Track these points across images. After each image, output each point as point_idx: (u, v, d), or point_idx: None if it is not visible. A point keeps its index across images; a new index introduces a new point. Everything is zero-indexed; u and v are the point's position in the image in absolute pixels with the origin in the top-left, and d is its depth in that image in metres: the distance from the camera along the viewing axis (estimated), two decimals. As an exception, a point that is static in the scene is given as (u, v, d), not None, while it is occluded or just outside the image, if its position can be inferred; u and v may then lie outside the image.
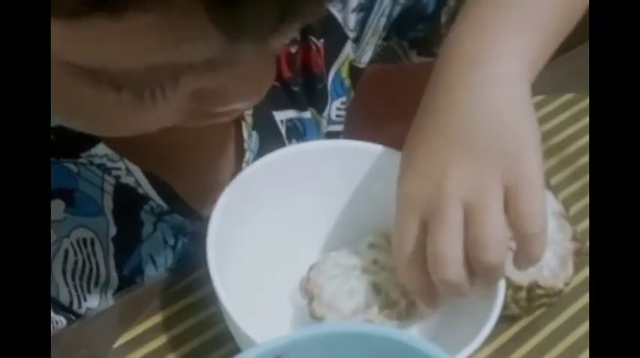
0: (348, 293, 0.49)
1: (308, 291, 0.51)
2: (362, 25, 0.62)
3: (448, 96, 0.46)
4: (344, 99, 0.65)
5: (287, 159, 0.53)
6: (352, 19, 0.61)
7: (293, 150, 0.54)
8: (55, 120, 0.45)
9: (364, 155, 0.54)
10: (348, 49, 0.62)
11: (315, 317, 0.50)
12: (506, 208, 0.43)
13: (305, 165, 0.53)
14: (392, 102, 0.49)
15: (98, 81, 0.36)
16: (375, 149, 0.53)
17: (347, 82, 0.64)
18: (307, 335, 0.35)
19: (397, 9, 0.62)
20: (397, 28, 0.63)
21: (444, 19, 0.62)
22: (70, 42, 0.34)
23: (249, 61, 0.38)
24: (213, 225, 0.48)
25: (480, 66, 0.45)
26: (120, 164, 0.52)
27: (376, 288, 0.50)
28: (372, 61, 0.65)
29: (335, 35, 0.61)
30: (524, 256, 0.44)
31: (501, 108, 0.44)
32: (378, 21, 0.62)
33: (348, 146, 0.54)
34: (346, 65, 0.63)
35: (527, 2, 0.49)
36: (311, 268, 0.51)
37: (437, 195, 0.43)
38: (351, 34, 0.62)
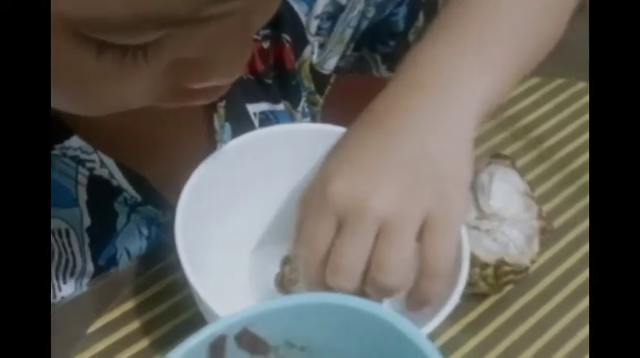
0: None
1: (283, 287, 0.51)
2: (327, 32, 0.62)
3: (397, 116, 0.46)
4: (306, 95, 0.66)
5: (258, 141, 0.53)
6: (314, 25, 0.62)
7: (263, 133, 0.54)
8: None
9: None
10: (308, 52, 0.63)
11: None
12: (420, 238, 0.44)
13: (276, 148, 0.53)
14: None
15: (82, 39, 0.35)
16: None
17: (306, 82, 0.65)
18: (274, 307, 0.35)
19: (365, 22, 0.63)
20: (368, 40, 0.64)
21: (412, 37, 0.64)
22: None
23: (229, 29, 0.37)
24: (181, 205, 0.48)
25: (430, 97, 0.46)
26: (94, 156, 0.53)
27: None
28: (341, 70, 0.66)
29: (298, 36, 0.62)
30: (416, 290, 0.45)
31: (443, 146, 0.45)
32: (344, 31, 0.63)
33: (320, 129, 0.55)
34: (305, 67, 0.64)
35: (489, 34, 0.49)
36: (284, 263, 0.51)
37: (360, 205, 0.43)
38: (312, 39, 0.62)
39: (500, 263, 0.54)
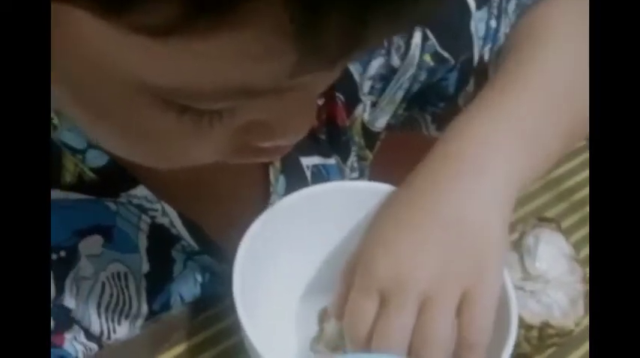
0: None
1: (321, 322, 0.53)
2: (379, 93, 0.65)
3: (434, 188, 0.48)
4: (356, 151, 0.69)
5: (310, 198, 0.55)
6: (367, 85, 0.64)
7: (316, 190, 0.56)
8: (108, 148, 0.47)
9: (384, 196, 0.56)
10: (360, 110, 0.65)
11: (313, 349, 0.52)
12: (459, 313, 0.45)
13: (327, 205, 0.55)
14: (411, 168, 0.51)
15: (165, 102, 0.36)
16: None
17: (357, 138, 0.68)
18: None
19: (416, 85, 0.65)
20: (419, 101, 0.66)
21: (461, 101, 0.66)
22: (152, 62, 0.33)
23: (300, 98, 0.39)
24: (239, 258, 0.50)
25: (467, 170, 0.48)
26: (157, 206, 0.55)
27: None
28: (391, 127, 0.69)
29: (351, 94, 0.64)
30: None
31: (482, 222, 0.47)
32: (395, 92, 0.65)
33: (368, 187, 0.56)
34: (357, 124, 0.67)
35: (532, 107, 0.51)
36: (321, 320, 0.53)
37: (403, 280, 0.45)
38: (364, 98, 0.65)
39: (545, 325, 0.55)
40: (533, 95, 0.52)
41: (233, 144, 0.42)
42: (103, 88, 0.36)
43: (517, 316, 0.50)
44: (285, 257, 0.55)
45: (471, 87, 0.65)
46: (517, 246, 0.60)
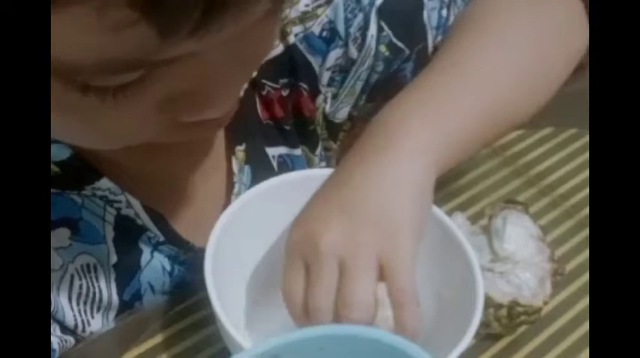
0: None
1: None
2: (339, 84, 0.66)
3: (354, 169, 0.49)
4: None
5: (279, 187, 0.56)
6: (326, 77, 0.65)
7: (284, 179, 0.57)
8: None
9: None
10: (320, 101, 0.66)
11: None
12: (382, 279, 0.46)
13: (295, 193, 0.56)
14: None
15: (65, 80, 0.37)
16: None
17: (319, 130, 0.68)
18: (301, 337, 0.38)
19: (375, 76, 0.65)
20: (380, 92, 0.67)
21: None
22: None
23: (211, 63, 0.40)
24: (210, 247, 0.51)
25: (385, 153, 0.49)
26: (121, 197, 0.56)
27: None
28: (355, 119, 0.69)
29: (312, 86, 0.65)
30: (399, 324, 0.47)
31: (389, 193, 0.47)
32: (354, 84, 0.66)
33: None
34: (318, 115, 0.67)
35: (449, 99, 0.52)
36: None
37: (314, 248, 0.46)
38: (324, 90, 0.65)
39: (514, 304, 0.56)
40: (462, 78, 0.53)
41: (159, 121, 0.43)
42: None
43: (483, 295, 0.51)
44: (257, 245, 0.56)
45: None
46: (486, 228, 0.61)
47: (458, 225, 0.58)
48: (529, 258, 0.59)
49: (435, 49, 0.65)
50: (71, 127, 0.43)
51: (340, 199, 0.48)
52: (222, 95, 0.42)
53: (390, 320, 0.53)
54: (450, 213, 0.61)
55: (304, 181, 0.56)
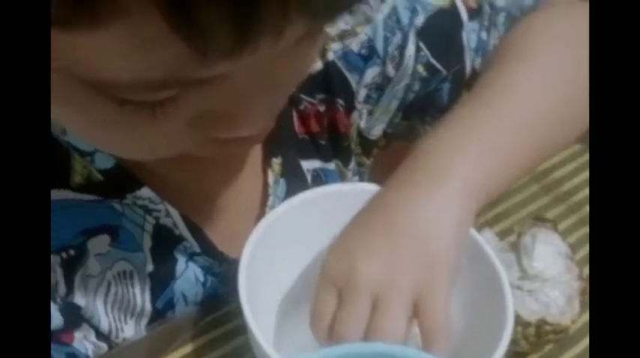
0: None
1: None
2: (375, 102, 0.66)
3: (396, 201, 0.49)
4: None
5: (314, 200, 0.56)
6: (363, 94, 0.66)
7: (322, 192, 0.57)
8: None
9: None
10: (356, 117, 0.67)
11: None
12: (416, 314, 0.46)
13: (331, 206, 0.56)
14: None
15: (100, 94, 0.37)
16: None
17: (352, 145, 0.69)
18: (326, 355, 0.38)
19: (411, 95, 0.66)
20: (417, 111, 0.68)
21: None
22: (65, 50, 0.34)
23: (246, 83, 0.40)
24: (245, 259, 0.51)
25: (425, 180, 0.49)
26: (160, 206, 0.57)
27: None
28: (390, 136, 0.70)
29: (348, 102, 0.66)
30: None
31: (432, 227, 0.48)
32: (390, 102, 0.66)
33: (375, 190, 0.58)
34: (353, 131, 0.68)
35: (493, 134, 0.52)
36: None
37: (352, 277, 0.46)
38: (360, 106, 0.66)
39: (542, 322, 0.57)
40: (505, 109, 0.53)
41: (192, 136, 0.43)
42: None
43: (513, 313, 0.51)
44: (290, 258, 0.56)
45: (463, 97, 0.67)
46: (514, 246, 0.62)
47: (486, 240, 0.58)
48: (557, 276, 0.59)
49: (473, 71, 0.66)
50: (109, 138, 0.44)
51: (381, 231, 0.48)
52: (256, 114, 0.43)
53: (419, 336, 0.53)
54: (478, 228, 0.61)
55: (338, 194, 0.57)
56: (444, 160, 0.50)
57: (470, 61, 0.65)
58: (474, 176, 0.49)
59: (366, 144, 0.69)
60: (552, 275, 0.59)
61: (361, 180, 0.71)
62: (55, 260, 0.54)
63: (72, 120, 0.44)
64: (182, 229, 0.58)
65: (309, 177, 0.66)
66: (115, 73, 0.36)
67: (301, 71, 0.47)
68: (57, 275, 0.54)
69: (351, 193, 0.58)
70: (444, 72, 0.65)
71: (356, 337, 0.46)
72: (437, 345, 0.46)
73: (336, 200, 0.57)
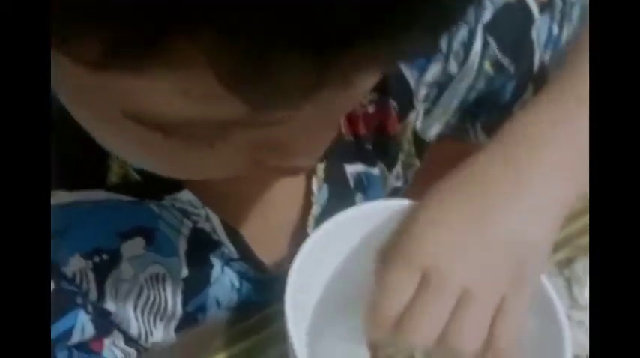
0: None
1: (373, 347, 0.52)
2: (434, 100, 0.63)
3: (491, 186, 0.46)
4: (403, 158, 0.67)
5: (366, 215, 0.53)
6: (422, 92, 0.62)
7: (372, 207, 0.54)
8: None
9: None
10: (413, 117, 0.63)
11: None
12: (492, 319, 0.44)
13: (382, 223, 0.54)
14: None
15: (149, 127, 0.34)
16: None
17: (406, 145, 0.66)
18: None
19: (473, 94, 0.63)
20: (473, 110, 0.64)
21: (517, 109, 0.64)
22: (103, 88, 0.32)
23: (308, 120, 0.36)
24: (295, 269, 0.48)
25: (524, 177, 0.45)
26: (201, 211, 0.54)
27: None
28: (441, 136, 0.66)
29: (404, 101, 0.62)
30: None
31: (535, 234, 0.45)
32: (450, 101, 0.63)
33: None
34: (408, 131, 0.65)
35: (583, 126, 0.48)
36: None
37: (448, 267, 0.43)
38: (418, 105, 0.63)
39: (592, 358, 0.54)
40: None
41: (244, 162, 0.40)
42: (90, 109, 0.35)
43: (570, 343, 0.48)
44: (338, 275, 0.54)
45: (529, 94, 0.63)
46: (563, 269, 0.59)
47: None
48: (609, 307, 0.57)
49: (542, 67, 0.62)
50: (153, 161, 0.40)
51: (484, 229, 0.44)
52: (311, 148, 0.40)
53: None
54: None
55: (389, 211, 0.54)
56: (538, 156, 0.46)
57: (538, 57, 0.62)
58: (567, 179, 0.46)
59: (421, 144, 0.66)
60: (604, 307, 0.57)
61: (405, 183, 0.68)
62: (87, 264, 0.51)
63: (111, 145, 0.41)
64: (221, 234, 0.55)
65: (351, 182, 0.63)
66: (166, 113, 0.32)
67: (355, 104, 0.43)
68: (89, 280, 0.52)
69: (400, 211, 0.55)
70: (511, 69, 0.62)
71: (431, 332, 0.43)
72: (499, 353, 0.44)
73: (389, 216, 0.54)
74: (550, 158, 0.46)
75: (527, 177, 0.46)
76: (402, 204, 0.54)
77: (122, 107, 0.32)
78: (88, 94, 0.33)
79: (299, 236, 0.58)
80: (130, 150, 0.40)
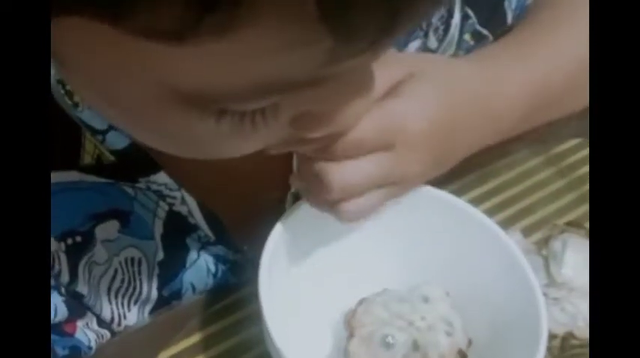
0: (386, 342, 0.50)
1: (350, 326, 0.51)
2: None
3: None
4: None
5: None
6: None
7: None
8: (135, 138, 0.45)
9: (417, 195, 0.54)
10: None
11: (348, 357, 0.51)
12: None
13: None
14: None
15: (201, 107, 0.34)
16: (434, 193, 0.54)
17: None
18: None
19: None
20: None
21: None
22: (174, 65, 0.31)
23: (349, 83, 0.38)
24: (268, 248, 0.49)
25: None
26: (177, 193, 0.53)
27: (415, 346, 0.50)
28: None
29: None
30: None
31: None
32: None
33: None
34: None
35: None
36: (360, 302, 0.52)
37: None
38: None
39: (569, 335, 0.54)
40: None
41: (280, 138, 0.40)
42: (134, 95, 0.34)
43: (547, 330, 0.49)
44: (312, 253, 0.54)
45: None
46: (541, 248, 0.59)
47: (514, 242, 0.56)
48: (586, 285, 0.57)
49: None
50: (184, 145, 0.40)
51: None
52: (352, 112, 0.40)
53: (441, 346, 0.51)
54: (504, 226, 0.59)
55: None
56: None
57: (510, 21, 0.64)
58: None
59: None
60: (581, 285, 0.57)
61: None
62: (59, 246, 0.50)
63: (147, 136, 0.41)
64: (198, 218, 0.55)
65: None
66: (230, 84, 0.32)
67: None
68: (61, 262, 0.51)
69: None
70: (490, 37, 0.63)
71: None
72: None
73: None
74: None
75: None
76: None
77: (179, 87, 0.32)
78: (129, 78, 0.33)
79: (278, 215, 0.57)
80: (164, 140, 0.40)
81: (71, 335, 0.52)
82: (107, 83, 0.35)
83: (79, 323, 0.53)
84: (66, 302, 0.51)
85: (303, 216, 0.52)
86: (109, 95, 0.36)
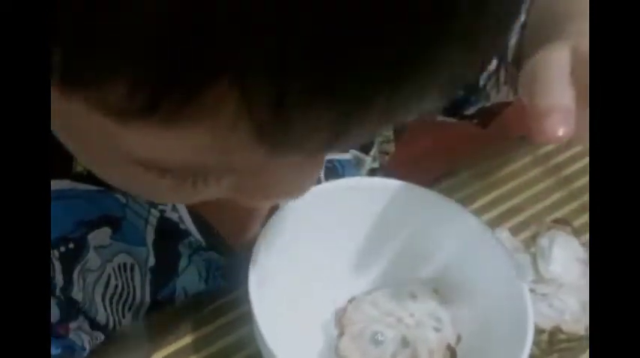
0: (375, 339, 0.51)
1: (341, 324, 0.52)
2: None
3: None
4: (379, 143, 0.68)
5: (330, 194, 0.54)
6: None
7: (336, 185, 0.55)
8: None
9: (407, 194, 0.55)
10: None
11: (339, 355, 0.51)
12: None
13: (346, 201, 0.54)
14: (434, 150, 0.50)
15: (144, 165, 0.34)
16: (423, 192, 0.55)
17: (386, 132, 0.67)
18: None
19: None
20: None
21: (482, 82, 0.65)
22: (123, 136, 0.31)
23: (291, 162, 0.36)
24: (257, 250, 0.49)
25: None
26: None
27: (404, 342, 0.51)
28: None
29: None
30: None
31: None
32: None
33: (386, 184, 0.56)
34: None
35: None
36: (350, 301, 0.52)
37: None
38: None
39: (556, 330, 0.55)
40: None
41: (227, 197, 0.41)
42: (96, 151, 0.36)
43: (533, 327, 0.49)
44: (302, 251, 0.54)
45: (493, 65, 0.64)
46: (529, 246, 0.60)
47: (502, 240, 0.56)
48: (574, 281, 0.58)
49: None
50: (137, 190, 0.42)
51: None
52: (295, 188, 0.40)
53: (430, 341, 0.52)
54: (493, 224, 0.60)
55: (352, 190, 0.55)
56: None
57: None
58: None
59: (398, 129, 0.67)
60: (568, 281, 0.57)
61: (382, 164, 0.68)
62: (53, 254, 0.51)
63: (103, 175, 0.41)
64: (188, 224, 0.55)
65: (322, 171, 0.63)
66: (173, 161, 0.33)
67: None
68: (55, 270, 0.51)
69: (366, 188, 0.56)
70: None
71: None
72: None
73: (352, 194, 0.55)
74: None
75: None
76: (356, 180, 0.55)
77: (132, 154, 0.33)
78: (96, 141, 0.34)
79: (269, 217, 0.58)
80: (125, 184, 0.41)
81: (64, 336, 0.53)
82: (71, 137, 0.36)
83: (72, 326, 0.54)
84: (59, 305, 0.52)
85: (292, 216, 0.52)
86: (72, 148, 0.37)
